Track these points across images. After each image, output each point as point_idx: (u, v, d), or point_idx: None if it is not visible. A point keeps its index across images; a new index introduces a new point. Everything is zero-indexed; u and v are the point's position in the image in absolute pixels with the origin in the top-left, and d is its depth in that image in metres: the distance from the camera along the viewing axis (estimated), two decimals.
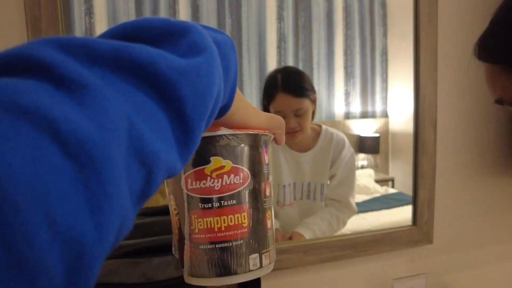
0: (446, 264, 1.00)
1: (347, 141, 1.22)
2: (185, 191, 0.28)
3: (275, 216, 1.07)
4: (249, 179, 0.29)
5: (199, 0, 1.83)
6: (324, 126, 1.15)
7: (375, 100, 2.07)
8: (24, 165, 0.12)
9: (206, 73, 0.21)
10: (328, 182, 1.18)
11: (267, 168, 0.31)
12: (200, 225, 0.28)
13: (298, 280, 0.90)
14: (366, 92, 2.10)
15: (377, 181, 1.88)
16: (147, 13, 1.80)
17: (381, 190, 1.81)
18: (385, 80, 2.19)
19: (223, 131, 0.27)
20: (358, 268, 0.94)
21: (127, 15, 1.73)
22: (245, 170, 0.28)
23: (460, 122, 1.00)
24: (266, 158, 0.31)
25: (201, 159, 0.27)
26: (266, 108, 1.12)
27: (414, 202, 0.95)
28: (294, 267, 0.87)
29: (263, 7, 1.82)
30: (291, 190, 1.13)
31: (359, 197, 1.41)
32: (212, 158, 0.27)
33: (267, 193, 0.31)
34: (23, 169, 0.12)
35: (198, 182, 0.28)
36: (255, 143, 0.29)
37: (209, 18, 1.90)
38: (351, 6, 2.04)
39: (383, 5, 2.05)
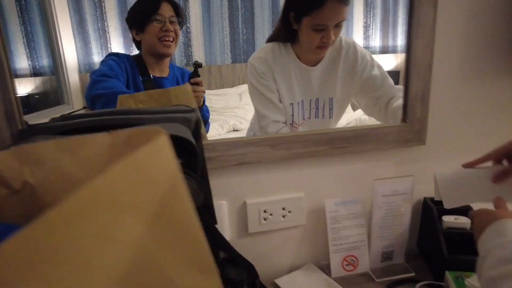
0: (440, 168, 0.88)
1: (356, 42, 1.04)
2: None
3: None
4: None
5: None
6: None
7: (396, 34, 1.91)
8: None
9: None
10: (337, 95, 1.03)
11: None
12: None
13: (265, 177, 0.78)
14: (387, 25, 1.94)
15: None
16: None
17: None
18: (409, 12, 2.00)
19: None
20: (335, 167, 0.82)
21: None
22: None
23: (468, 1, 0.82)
24: None
25: None
26: (297, 21, 0.93)
27: (406, 95, 0.81)
28: (260, 162, 0.75)
29: None
30: (299, 108, 1.00)
31: None
32: None
33: None
34: None
35: None
36: None
37: None
38: None
39: None
